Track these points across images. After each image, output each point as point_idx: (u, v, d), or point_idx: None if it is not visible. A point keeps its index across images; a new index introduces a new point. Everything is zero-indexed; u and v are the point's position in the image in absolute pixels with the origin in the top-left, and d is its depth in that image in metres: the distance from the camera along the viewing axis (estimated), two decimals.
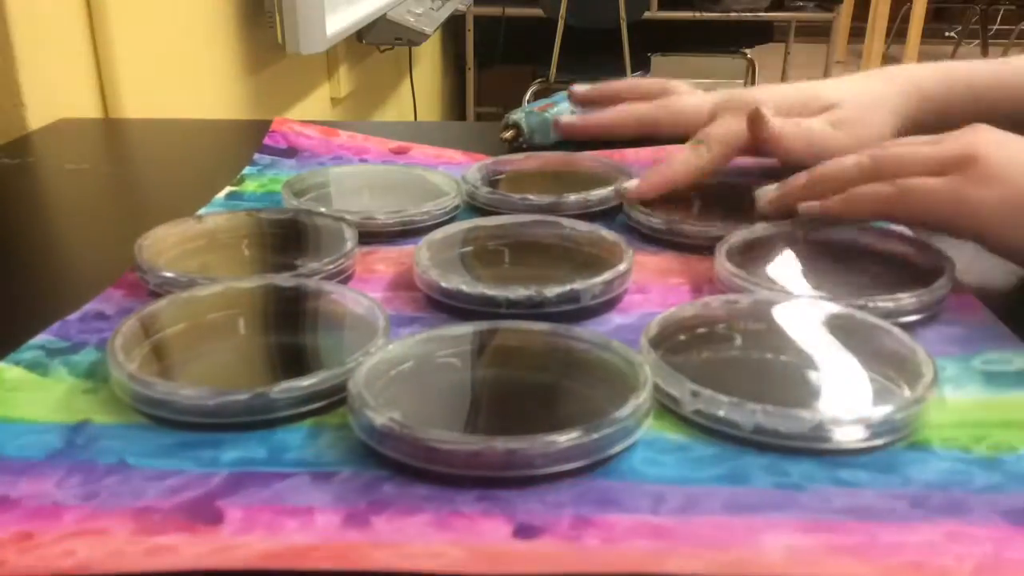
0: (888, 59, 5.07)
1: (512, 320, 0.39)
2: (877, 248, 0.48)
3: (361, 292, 0.42)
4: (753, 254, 0.47)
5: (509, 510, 0.29)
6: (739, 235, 0.48)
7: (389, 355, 0.36)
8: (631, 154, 0.67)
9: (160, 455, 0.33)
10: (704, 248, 0.49)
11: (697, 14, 2.97)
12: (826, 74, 3.15)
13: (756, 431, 0.32)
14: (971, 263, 0.46)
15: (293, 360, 0.40)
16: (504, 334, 0.38)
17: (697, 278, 0.47)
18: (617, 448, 0.32)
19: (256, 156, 0.67)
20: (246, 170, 0.65)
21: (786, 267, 0.47)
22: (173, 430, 0.34)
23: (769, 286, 0.43)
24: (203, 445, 0.33)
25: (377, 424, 0.31)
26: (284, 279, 0.43)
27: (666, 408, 0.35)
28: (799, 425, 0.32)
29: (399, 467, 0.31)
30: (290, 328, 0.42)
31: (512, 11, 2.98)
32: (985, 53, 5.18)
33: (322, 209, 0.52)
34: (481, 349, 0.38)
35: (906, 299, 0.41)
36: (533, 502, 0.30)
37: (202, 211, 0.56)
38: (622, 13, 2.64)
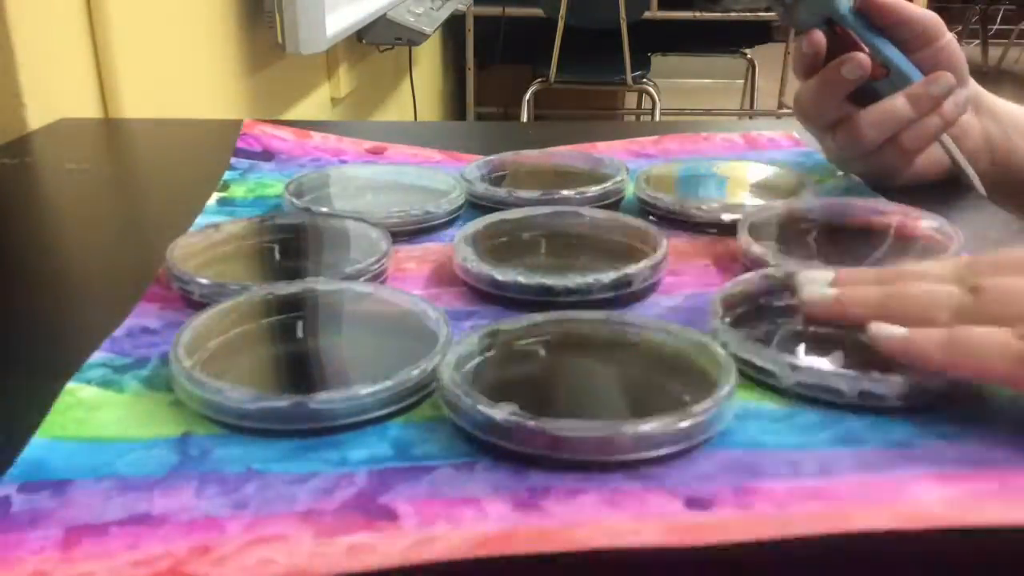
0: None
1: (575, 310, 0.40)
2: (893, 223, 0.50)
3: (404, 291, 0.42)
4: (773, 232, 0.49)
5: (667, 486, 0.30)
6: (757, 214, 0.50)
7: (467, 349, 0.36)
8: (603, 146, 0.69)
9: (284, 460, 0.31)
10: (715, 229, 0.51)
11: (697, 14, 2.97)
12: None
13: (862, 396, 0.34)
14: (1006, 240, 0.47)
15: (367, 361, 0.40)
16: (598, 325, 0.39)
17: (720, 258, 0.49)
18: (724, 423, 0.33)
19: (233, 160, 0.66)
20: (227, 175, 0.63)
21: (809, 243, 0.50)
22: (283, 436, 0.33)
23: (799, 262, 0.44)
24: (321, 447, 0.32)
25: (499, 419, 0.31)
26: (326, 283, 0.43)
27: (754, 380, 0.36)
28: (897, 388, 0.34)
29: (531, 456, 0.31)
30: (348, 331, 0.42)
31: (512, 11, 2.98)
32: (985, 53, 5.18)
33: (345, 209, 0.52)
34: (571, 339, 0.39)
35: None
36: (685, 477, 0.30)
37: (198, 219, 0.55)
38: (622, 13, 2.64)
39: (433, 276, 0.47)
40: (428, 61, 2.69)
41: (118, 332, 0.41)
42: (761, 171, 0.61)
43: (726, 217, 0.51)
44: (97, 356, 0.39)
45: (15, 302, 0.46)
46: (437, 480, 0.30)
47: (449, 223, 0.54)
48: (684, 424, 0.31)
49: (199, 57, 1.10)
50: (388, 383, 0.34)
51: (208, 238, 0.49)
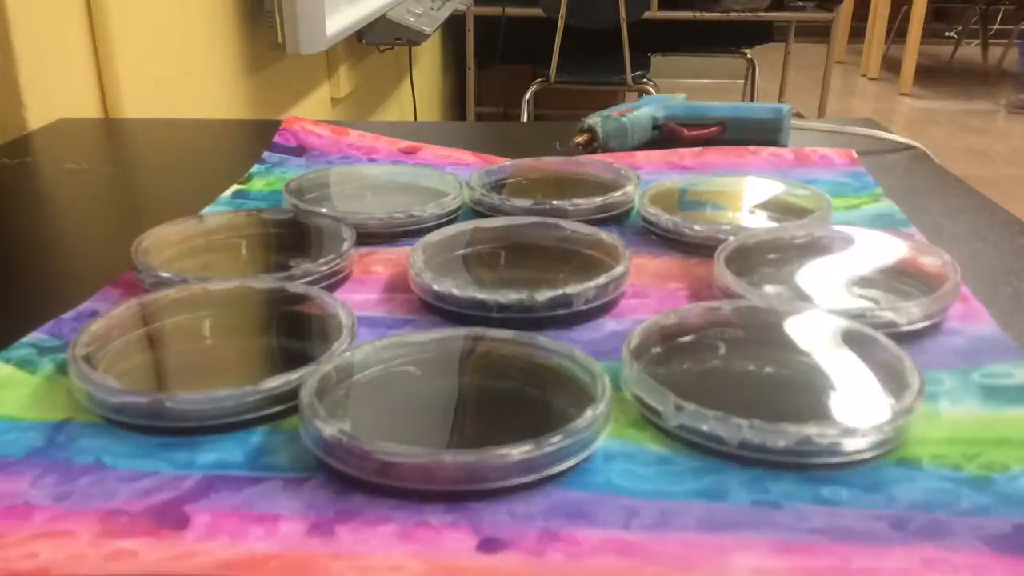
0: (888, 59, 5.07)
1: (483, 327, 0.38)
2: (882, 253, 0.47)
3: (334, 295, 0.41)
4: (754, 259, 0.47)
5: (476, 521, 0.29)
6: (740, 239, 0.48)
7: (348, 361, 0.36)
8: (642, 157, 0.66)
9: (137, 456, 0.32)
10: (710, 250, 0.48)
11: (697, 14, 2.97)
12: (826, 74, 3.15)
13: (742, 446, 0.32)
14: (976, 266, 0.46)
15: (255, 363, 0.40)
16: (468, 342, 0.38)
17: (697, 283, 0.46)
18: (572, 461, 0.31)
19: (265, 154, 0.67)
20: (255, 168, 0.64)
21: (788, 273, 0.47)
22: (151, 433, 0.34)
23: (766, 293, 0.42)
24: (181, 446, 0.33)
25: (326, 435, 0.31)
26: (260, 280, 0.43)
27: (649, 420, 0.34)
28: (785, 439, 0.31)
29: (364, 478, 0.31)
30: (258, 331, 0.42)
31: (512, 11, 2.97)
32: (985, 53, 5.18)
33: (323, 209, 0.52)
34: (445, 357, 0.37)
35: (909, 307, 0.40)
36: (502, 514, 0.29)
37: (207, 209, 0.56)
38: (622, 13, 2.63)
39: (391, 281, 0.47)
40: (428, 61, 2.68)
41: (67, 314, 0.42)
42: (781, 190, 0.57)
43: (721, 238, 0.48)
44: (31, 336, 0.40)
45: (14, 301, 0.46)
46: (258, 492, 0.30)
47: (441, 227, 0.52)
48: (514, 457, 0.30)
49: (199, 57, 1.10)
50: (249, 388, 0.33)
51: (186, 229, 0.49)
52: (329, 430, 0.31)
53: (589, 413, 0.32)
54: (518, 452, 0.30)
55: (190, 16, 1.07)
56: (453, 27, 2.96)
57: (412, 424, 0.34)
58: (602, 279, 0.42)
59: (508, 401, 0.36)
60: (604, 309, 0.43)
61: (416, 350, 0.37)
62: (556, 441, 0.30)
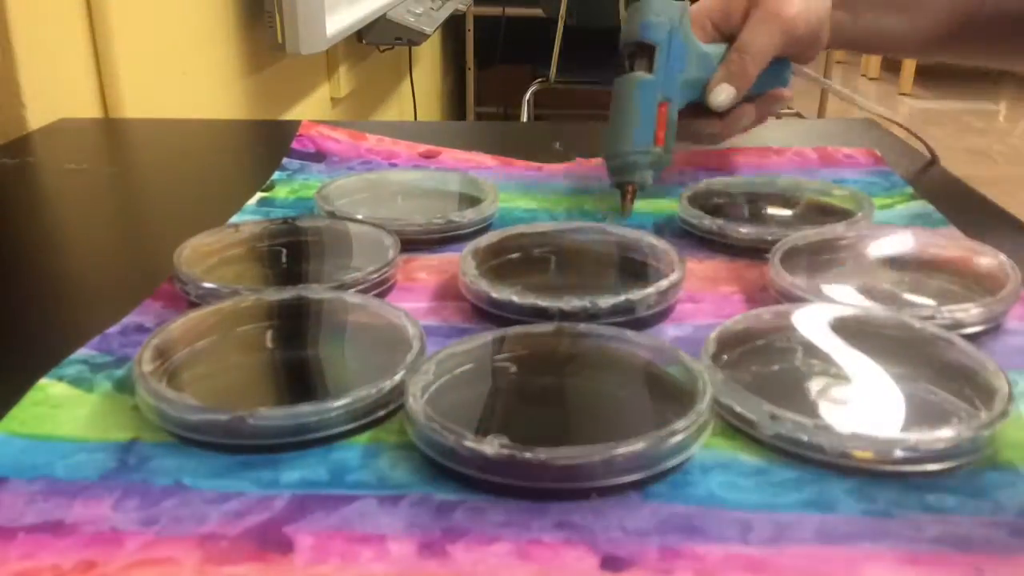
0: (888, 59, 5.07)
1: (571, 322, 0.38)
2: (937, 255, 0.47)
3: (393, 305, 0.40)
4: (809, 260, 0.46)
5: (590, 538, 0.28)
6: (791, 241, 0.47)
7: (433, 369, 0.35)
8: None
9: (217, 476, 0.31)
10: (755, 253, 0.48)
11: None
12: (826, 74, 3.15)
13: (843, 456, 0.31)
14: None
15: (326, 376, 0.39)
16: (559, 338, 0.37)
17: (750, 286, 0.46)
18: (678, 459, 0.31)
19: (285, 161, 0.66)
20: (276, 175, 0.63)
21: (842, 274, 0.46)
22: (227, 451, 0.32)
23: (827, 295, 0.42)
24: (261, 465, 0.32)
25: (490, 455, 0.29)
26: (316, 291, 0.42)
27: (736, 428, 0.33)
28: (885, 449, 0.31)
29: (466, 489, 0.30)
30: (322, 342, 0.41)
31: (512, 11, 2.97)
32: None
33: (359, 216, 0.51)
34: (536, 353, 0.37)
35: (972, 309, 0.40)
36: (614, 530, 0.28)
37: (234, 218, 0.55)
38: (622, 13, 2.63)
39: (440, 289, 0.46)
40: (428, 61, 2.68)
41: (112, 328, 0.41)
42: (820, 191, 0.57)
43: (769, 240, 0.47)
44: (80, 352, 0.39)
45: (15, 301, 0.46)
46: (354, 512, 0.29)
47: (480, 232, 0.51)
48: (630, 452, 0.29)
49: (199, 57, 1.10)
50: (331, 404, 0.32)
51: (223, 238, 0.48)
52: (491, 449, 0.30)
53: (694, 410, 0.31)
54: (631, 449, 0.29)
55: (190, 16, 1.07)
56: (453, 27, 2.96)
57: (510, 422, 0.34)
58: (663, 284, 0.41)
59: (606, 400, 0.36)
60: (662, 315, 0.42)
61: (505, 347, 0.37)
62: (671, 437, 0.30)
